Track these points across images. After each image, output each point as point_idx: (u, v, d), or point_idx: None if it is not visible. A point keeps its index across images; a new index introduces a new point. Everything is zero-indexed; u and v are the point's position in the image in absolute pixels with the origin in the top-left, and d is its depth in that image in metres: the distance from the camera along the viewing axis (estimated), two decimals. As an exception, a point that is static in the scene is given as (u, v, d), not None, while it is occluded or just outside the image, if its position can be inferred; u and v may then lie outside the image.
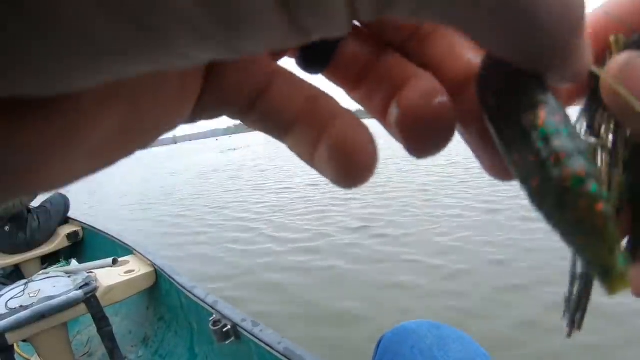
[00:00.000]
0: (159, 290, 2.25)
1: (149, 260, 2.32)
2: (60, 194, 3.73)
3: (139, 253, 2.47)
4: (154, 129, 0.16)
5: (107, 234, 3.12)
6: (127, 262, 2.40)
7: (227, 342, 1.49)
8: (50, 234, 3.46)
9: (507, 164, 0.16)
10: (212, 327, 1.52)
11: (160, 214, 8.72)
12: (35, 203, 3.48)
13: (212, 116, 0.19)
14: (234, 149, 36.78)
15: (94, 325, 2.08)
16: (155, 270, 2.25)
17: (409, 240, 4.27)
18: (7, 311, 1.80)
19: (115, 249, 2.63)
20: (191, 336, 1.97)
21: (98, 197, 12.55)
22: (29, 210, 3.34)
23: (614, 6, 0.17)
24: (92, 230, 3.42)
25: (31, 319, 1.78)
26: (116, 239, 2.91)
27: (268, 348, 1.32)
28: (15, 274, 2.96)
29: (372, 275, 3.60)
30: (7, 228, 3.17)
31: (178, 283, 2.01)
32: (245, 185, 11.37)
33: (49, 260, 3.27)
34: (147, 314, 2.41)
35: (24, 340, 1.97)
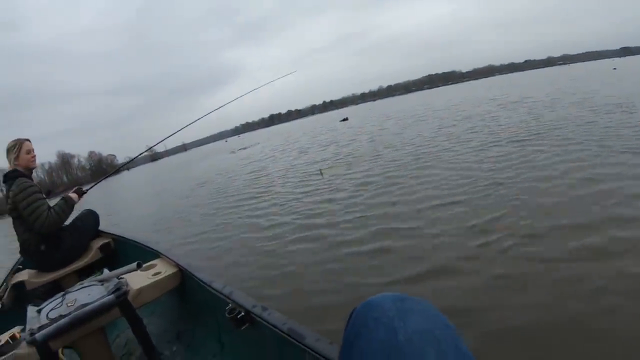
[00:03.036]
0: (185, 288, 2.31)
1: (174, 262, 2.39)
2: (90, 210, 3.83)
3: (165, 256, 2.55)
4: None
5: (135, 241, 3.22)
6: (154, 265, 2.49)
7: (243, 328, 1.56)
8: (83, 249, 3.54)
9: None
10: (228, 316, 1.59)
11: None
12: (67, 221, 3.52)
13: None
14: (245, 148, 36.89)
15: (130, 328, 2.15)
16: (181, 270, 2.31)
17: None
18: (48, 321, 1.87)
19: (144, 254, 2.69)
20: (217, 327, 2.01)
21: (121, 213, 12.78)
22: (62, 229, 3.40)
23: None
24: (122, 240, 3.51)
25: (70, 326, 1.86)
26: (144, 245, 3.00)
27: (276, 329, 1.40)
28: (54, 290, 3.01)
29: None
30: (42, 247, 3.25)
31: (199, 279, 2.07)
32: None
33: (85, 272, 3.35)
34: (178, 312, 2.47)
35: (67, 347, 2.07)
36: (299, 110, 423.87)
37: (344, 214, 5.64)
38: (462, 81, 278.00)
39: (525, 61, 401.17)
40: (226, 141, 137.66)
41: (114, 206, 15.55)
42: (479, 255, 3.53)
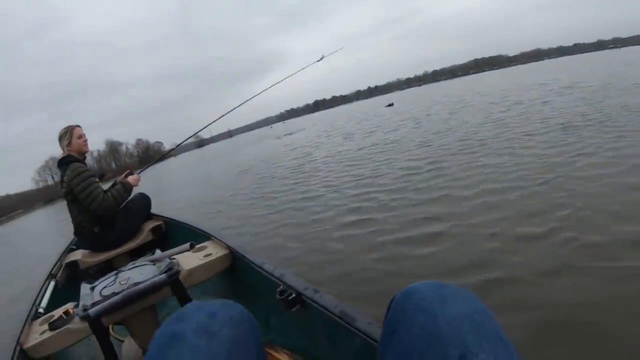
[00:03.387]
0: (235, 270, 2.33)
1: (225, 244, 2.42)
2: (142, 194, 3.95)
3: (216, 238, 2.59)
4: None
5: (187, 224, 3.29)
6: (205, 247, 2.52)
7: (293, 310, 1.56)
8: (135, 231, 3.65)
9: None
10: (278, 297, 1.59)
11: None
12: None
13: None
14: (291, 133, 37.10)
15: (180, 307, 2.23)
16: (231, 252, 2.34)
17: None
18: (101, 298, 1.93)
19: (194, 236, 2.73)
20: (266, 309, 2.02)
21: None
22: (115, 212, 3.50)
23: None
24: (173, 222, 3.61)
25: (122, 303, 1.91)
26: (195, 227, 3.06)
27: (327, 312, 1.39)
28: (106, 270, 3.08)
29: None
30: (96, 229, 3.37)
31: (250, 261, 2.09)
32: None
33: (136, 253, 3.44)
34: (227, 292, 2.49)
35: (117, 323, 2.13)
36: (344, 96, 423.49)
37: (391, 202, 5.53)
38: (509, 65, 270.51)
39: (575, 44, 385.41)
40: (271, 127, 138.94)
41: (162, 192, 15.89)
42: (531, 247, 3.33)
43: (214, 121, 4.61)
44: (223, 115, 4.59)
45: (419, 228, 4.27)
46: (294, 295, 1.57)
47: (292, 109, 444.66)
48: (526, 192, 4.57)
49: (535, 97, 15.00)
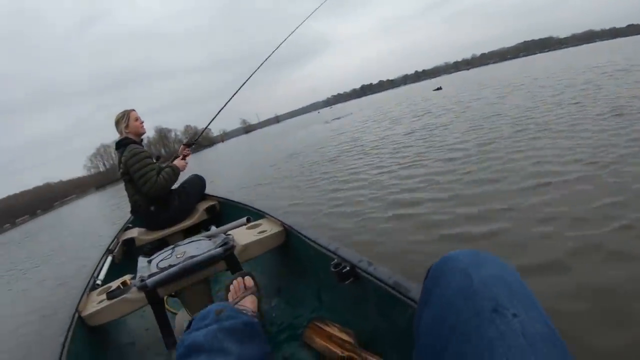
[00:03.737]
0: (289, 246, 2.37)
1: (279, 221, 2.47)
2: (197, 175, 4.10)
3: (270, 216, 2.65)
4: None
5: (240, 203, 3.39)
6: (260, 224, 2.59)
7: (346, 282, 1.57)
8: (190, 210, 3.79)
9: None
10: (333, 270, 1.60)
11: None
12: (175, 185, 3.79)
13: None
14: (338, 118, 37.03)
15: None
16: (285, 229, 2.38)
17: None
18: (157, 270, 2.01)
19: (249, 214, 2.82)
20: (318, 284, 2.07)
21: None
22: (170, 192, 3.66)
23: None
24: (227, 202, 3.71)
25: (178, 275, 1.98)
26: (249, 206, 3.15)
27: (381, 283, 1.41)
28: (161, 247, 3.21)
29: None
30: (152, 208, 3.52)
31: (305, 236, 2.11)
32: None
33: (191, 232, 3.57)
34: (280, 268, 2.55)
35: (172, 296, 2.21)
36: (391, 80, 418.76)
37: (440, 190, 5.32)
38: (560, 48, 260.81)
39: (628, 25, 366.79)
40: (318, 112, 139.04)
41: (211, 175, 16.13)
42: (593, 243, 2.96)
43: (220, 108, 4.53)
44: (223, 107, 4.52)
45: (466, 219, 4.10)
46: (348, 268, 1.59)
47: (338, 94, 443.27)
48: (585, 182, 4.20)
49: (588, 79, 14.40)
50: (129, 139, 3.52)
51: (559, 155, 5.34)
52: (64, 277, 7.21)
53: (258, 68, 4.69)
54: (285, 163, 13.12)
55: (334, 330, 1.71)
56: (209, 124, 4.65)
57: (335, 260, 1.67)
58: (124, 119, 3.58)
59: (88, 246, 9.36)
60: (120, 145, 3.51)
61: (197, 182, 4.03)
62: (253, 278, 1.97)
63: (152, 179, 3.39)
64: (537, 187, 4.35)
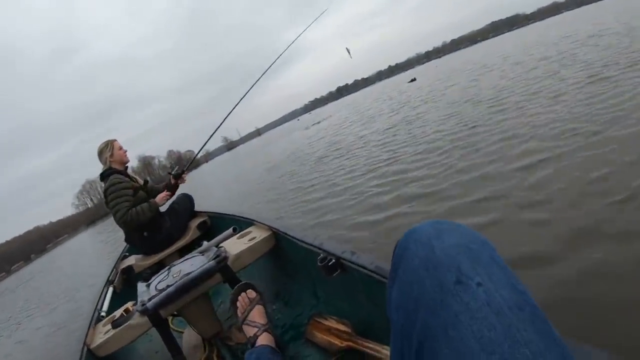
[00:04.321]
0: (280, 250, 2.43)
1: (268, 226, 2.53)
2: (185, 194, 4.17)
3: (259, 222, 2.71)
4: None
5: (229, 214, 3.46)
6: (249, 232, 2.65)
7: (334, 275, 1.63)
8: (183, 229, 3.85)
9: None
10: (319, 264, 1.66)
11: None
12: (164, 207, 3.87)
13: None
14: (319, 122, 37.09)
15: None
16: (274, 233, 2.44)
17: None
18: (157, 292, 2.08)
19: (239, 224, 2.84)
20: (312, 281, 2.13)
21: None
22: (160, 214, 3.73)
23: None
24: (217, 215, 3.78)
25: (176, 294, 2.05)
26: (237, 216, 3.22)
27: (365, 271, 1.47)
28: (160, 270, 3.27)
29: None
30: (145, 234, 3.58)
31: (292, 237, 2.17)
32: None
33: (186, 250, 3.57)
34: (274, 272, 2.62)
35: (175, 315, 2.27)
36: (366, 78, 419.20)
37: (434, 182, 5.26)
38: (528, 23, 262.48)
39: None
40: (298, 119, 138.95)
41: (200, 196, 16.03)
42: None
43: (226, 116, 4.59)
44: (228, 115, 4.59)
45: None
46: (333, 260, 1.64)
47: (315, 98, 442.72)
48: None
49: (562, 50, 14.54)
50: (112, 169, 3.57)
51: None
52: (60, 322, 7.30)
53: (247, 92, 4.78)
54: (266, 178, 13.06)
55: (332, 323, 1.78)
56: (198, 152, 4.74)
57: (321, 254, 1.73)
58: (108, 148, 3.65)
59: (80, 285, 9.38)
60: (104, 176, 3.56)
61: (186, 201, 4.09)
62: (253, 288, 2.05)
63: (122, 211, 3.42)
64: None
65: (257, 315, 1.90)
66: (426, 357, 0.55)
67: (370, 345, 1.52)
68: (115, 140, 3.73)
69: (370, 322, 1.62)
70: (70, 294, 10.19)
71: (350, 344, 1.61)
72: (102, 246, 19.23)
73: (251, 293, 2.02)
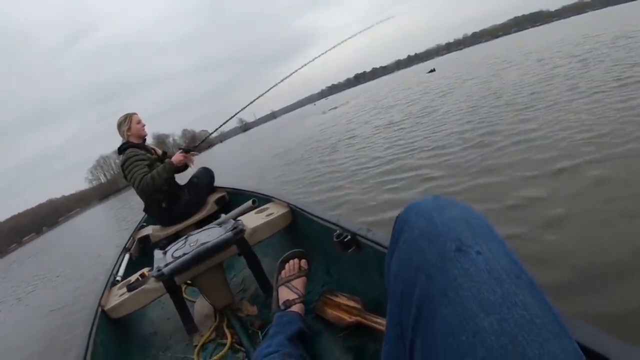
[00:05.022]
0: (296, 226, 2.47)
1: (285, 202, 2.58)
2: (205, 168, 4.23)
3: (276, 198, 2.75)
4: None
5: (248, 190, 3.51)
6: (267, 208, 2.70)
7: (349, 251, 1.66)
8: (201, 203, 3.92)
9: None
10: (335, 240, 1.69)
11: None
12: (185, 180, 3.95)
13: None
14: (335, 107, 36.93)
15: (247, 268, 2.39)
16: (291, 210, 2.49)
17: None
18: (173, 259, 2.14)
19: (257, 200, 2.92)
20: (326, 258, 2.17)
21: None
22: (180, 187, 3.82)
23: None
24: (236, 191, 3.85)
25: (192, 262, 2.11)
26: (256, 192, 3.25)
27: (380, 247, 1.50)
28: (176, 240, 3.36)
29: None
30: (164, 205, 3.66)
31: (309, 213, 2.22)
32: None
33: (203, 223, 3.59)
34: (289, 249, 2.67)
35: (188, 284, 2.31)
36: (384, 67, 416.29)
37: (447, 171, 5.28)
38: (551, 21, 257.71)
39: None
40: (314, 104, 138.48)
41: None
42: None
43: (245, 106, 4.60)
44: (263, 94, 4.61)
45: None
46: (349, 236, 1.68)
47: (333, 84, 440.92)
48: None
49: (588, 48, 14.21)
50: (129, 143, 3.65)
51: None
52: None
53: (277, 84, 4.79)
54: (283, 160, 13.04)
55: (342, 299, 1.80)
56: (211, 133, 4.90)
57: (337, 231, 1.76)
58: (126, 122, 3.71)
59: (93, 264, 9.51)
60: (122, 150, 3.64)
61: (206, 175, 4.16)
62: (308, 261, 2.10)
63: (138, 177, 3.45)
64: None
65: (300, 284, 1.95)
66: (424, 320, 0.57)
67: (380, 321, 1.54)
68: (135, 113, 3.78)
69: (381, 299, 1.64)
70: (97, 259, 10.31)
71: (359, 319, 1.63)
72: (116, 222, 19.35)
73: (305, 263, 2.06)
